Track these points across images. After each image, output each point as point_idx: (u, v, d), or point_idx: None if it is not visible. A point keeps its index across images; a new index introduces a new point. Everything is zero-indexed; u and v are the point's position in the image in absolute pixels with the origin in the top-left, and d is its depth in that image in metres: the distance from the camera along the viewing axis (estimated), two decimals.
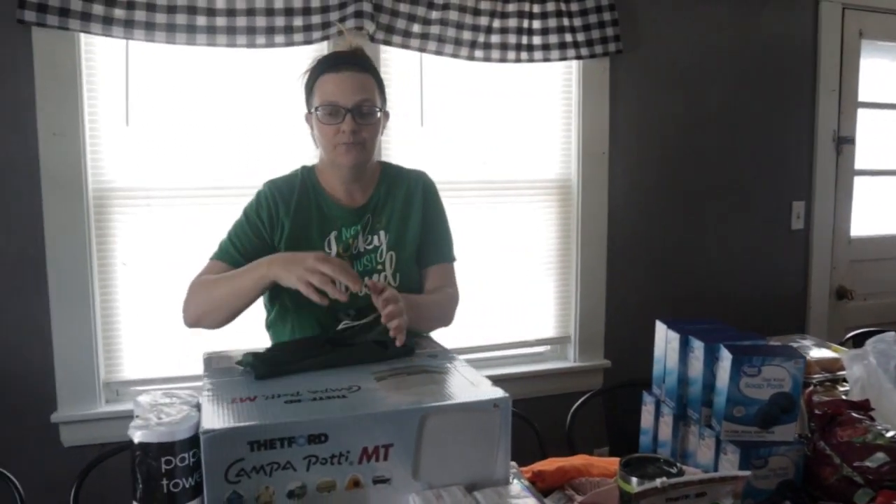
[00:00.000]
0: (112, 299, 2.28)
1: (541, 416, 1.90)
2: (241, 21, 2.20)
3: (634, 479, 0.97)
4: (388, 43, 2.40)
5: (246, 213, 1.60)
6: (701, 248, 3.03)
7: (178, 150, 2.30)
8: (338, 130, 1.50)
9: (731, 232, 3.07)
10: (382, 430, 0.98)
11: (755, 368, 1.19)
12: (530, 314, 2.80)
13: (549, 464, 1.29)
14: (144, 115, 2.25)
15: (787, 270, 3.21)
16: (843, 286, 3.32)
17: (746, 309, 3.05)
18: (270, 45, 2.25)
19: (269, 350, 1.30)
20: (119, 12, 2.09)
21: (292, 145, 2.35)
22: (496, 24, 2.53)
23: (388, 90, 1.62)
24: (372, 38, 2.35)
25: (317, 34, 2.28)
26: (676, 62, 2.90)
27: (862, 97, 3.26)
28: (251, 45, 2.23)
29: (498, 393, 1.07)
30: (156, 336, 2.32)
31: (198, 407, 1.03)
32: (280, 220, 1.57)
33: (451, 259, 1.70)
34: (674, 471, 0.98)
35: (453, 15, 2.47)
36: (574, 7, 2.61)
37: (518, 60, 2.58)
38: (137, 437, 0.94)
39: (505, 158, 2.70)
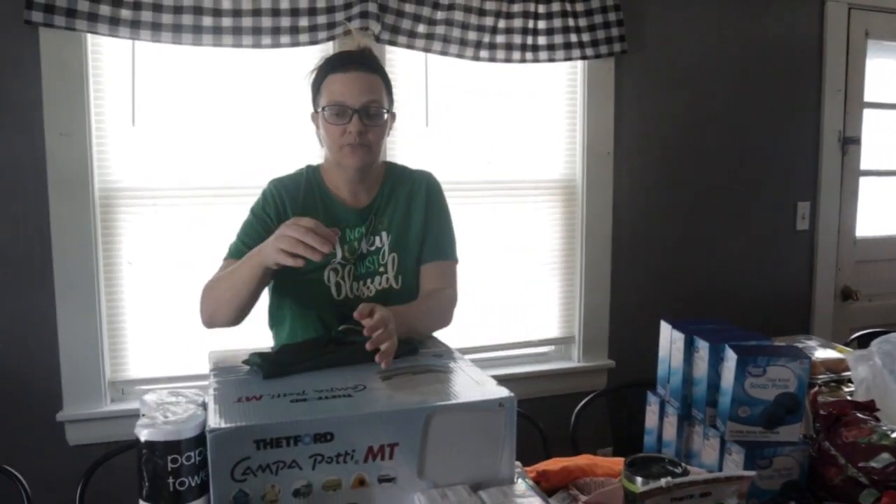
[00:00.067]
0: (118, 299, 2.29)
1: (545, 416, 1.90)
2: (246, 21, 2.21)
3: (639, 479, 0.97)
4: (393, 43, 2.41)
5: (253, 211, 1.59)
6: (706, 248, 3.03)
7: (183, 150, 2.31)
8: (344, 131, 1.49)
9: (736, 232, 3.07)
10: (388, 429, 0.99)
11: (760, 369, 1.18)
12: (534, 314, 2.80)
13: (554, 463, 1.29)
14: (150, 115, 2.26)
15: (792, 271, 3.20)
16: (849, 286, 3.31)
17: (751, 309, 3.05)
18: (276, 45, 2.25)
19: (276, 351, 1.30)
20: (125, 13, 2.10)
21: (297, 145, 2.35)
22: (501, 24, 2.53)
23: (393, 90, 1.61)
24: (377, 39, 2.36)
25: (322, 34, 2.29)
26: (681, 62, 2.90)
27: (868, 97, 3.25)
28: (257, 45, 2.24)
29: (503, 392, 1.07)
30: (161, 335, 2.32)
31: (204, 406, 1.03)
32: (288, 216, 1.55)
33: (451, 258, 1.67)
34: (678, 471, 0.98)
35: (458, 15, 2.47)
36: (579, 7, 2.61)
37: (523, 61, 2.58)
38: (144, 435, 0.95)
39: (510, 159, 2.70)
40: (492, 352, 2.73)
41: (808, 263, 3.22)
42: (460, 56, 2.51)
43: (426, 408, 1.01)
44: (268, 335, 1.67)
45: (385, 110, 1.54)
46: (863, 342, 2.34)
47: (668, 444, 1.36)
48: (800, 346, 1.79)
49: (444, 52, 2.48)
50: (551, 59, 2.62)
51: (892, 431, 1.20)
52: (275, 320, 1.66)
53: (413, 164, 1.73)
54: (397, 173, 1.67)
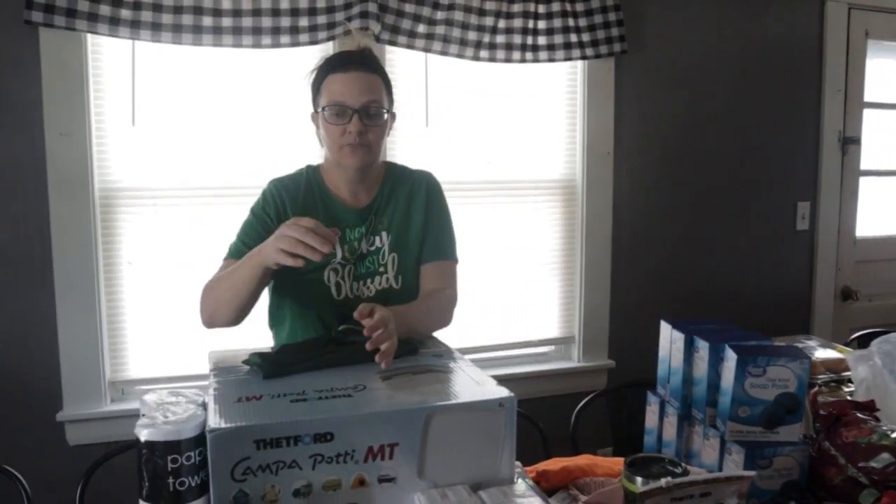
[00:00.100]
0: (118, 299, 2.29)
1: (545, 416, 1.90)
2: (246, 21, 2.21)
3: (639, 479, 0.97)
4: (393, 43, 2.41)
5: (253, 211, 1.59)
6: (706, 248, 3.03)
7: (183, 150, 2.31)
8: (344, 131, 1.49)
9: (736, 232, 3.07)
10: (388, 429, 0.99)
11: (760, 369, 1.19)
12: (534, 314, 2.80)
13: (554, 463, 1.29)
14: (150, 115, 2.26)
15: (792, 271, 3.20)
16: (849, 287, 3.31)
17: (751, 309, 3.05)
18: (276, 45, 2.26)
19: (276, 351, 1.30)
20: (125, 13, 2.10)
21: (297, 145, 2.36)
22: (501, 24, 2.53)
23: (393, 90, 1.61)
24: (377, 39, 2.36)
25: (322, 34, 2.29)
26: (681, 62, 2.90)
27: (868, 97, 3.26)
28: (257, 45, 2.24)
29: (503, 392, 1.07)
30: (161, 335, 2.33)
31: (204, 406, 1.03)
32: (288, 216, 1.54)
33: (450, 258, 1.67)
34: (678, 470, 0.99)
35: (458, 15, 2.47)
36: (579, 7, 2.61)
37: (523, 61, 2.58)
38: (144, 435, 0.95)
39: (509, 159, 2.70)
40: (492, 352, 2.73)
41: (808, 263, 3.23)
42: (460, 56, 2.51)
43: (426, 408, 1.01)
44: (268, 335, 1.68)
45: (385, 110, 1.54)
46: (863, 342, 2.34)
47: (668, 444, 1.36)
48: (800, 346, 1.79)
49: (444, 52, 2.48)
50: (551, 59, 2.62)
51: (892, 431, 1.20)
52: (275, 320, 1.65)
53: (413, 164, 1.73)
54: (397, 173, 1.67)
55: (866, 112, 3.26)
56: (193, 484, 0.96)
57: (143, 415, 1.00)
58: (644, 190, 2.89)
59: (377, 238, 1.60)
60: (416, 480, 1.01)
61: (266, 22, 2.23)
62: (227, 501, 0.93)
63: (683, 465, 1.01)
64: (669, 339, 1.37)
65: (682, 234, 2.98)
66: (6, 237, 2.16)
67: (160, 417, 0.98)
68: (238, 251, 1.52)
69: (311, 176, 1.62)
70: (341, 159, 1.52)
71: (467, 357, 1.29)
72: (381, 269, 1.59)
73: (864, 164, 3.28)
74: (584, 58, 2.66)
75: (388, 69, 1.66)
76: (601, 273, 2.83)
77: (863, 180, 3.30)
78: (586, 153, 2.76)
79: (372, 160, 1.56)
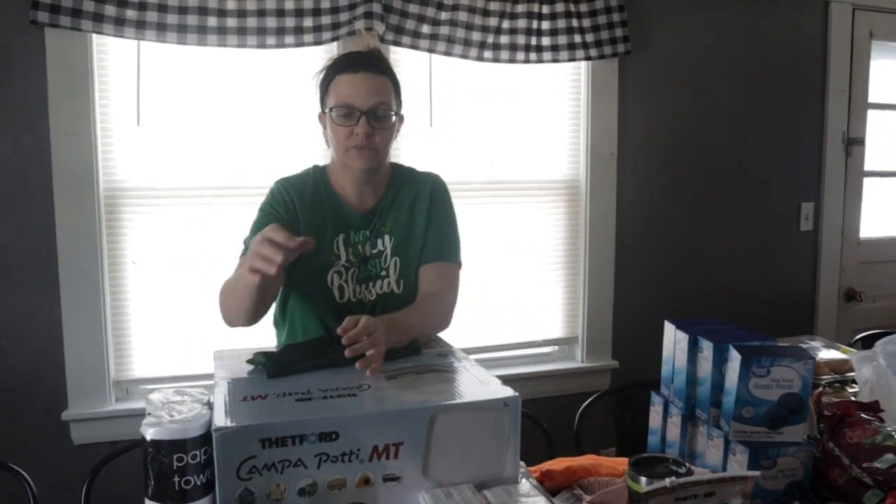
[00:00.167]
0: (122, 298, 2.30)
1: (549, 416, 1.91)
2: (251, 22, 2.22)
3: (643, 479, 0.97)
4: (397, 44, 2.41)
5: (262, 209, 1.57)
6: (709, 249, 3.03)
7: (188, 150, 2.31)
8: (351, 133, 1.47)
9: (740, 233, 3.07)
10: (393, 428, 0.99)
11: (764, 369, 1.19)
12: (538, 314, 2.80)
13: (558, 463, 1.29)
14: (155, 115, 2.27)
15: (796, 272, 3.20)
16: (852, 288, 3.30)
17: (755, 310, 3.04)
18: (280, 45, 2.26)
19: (280, 350, 1.31)
20: (131, 13, 2.11)
21: (302, 146, 2.36)
22: (505, 24, 2.53)
23: (402, 92, 1.59)
24: (381, 39, 2.36)
25: (327, 35, 2.29)
26: (685, 63, 2.90)
27: (872, 98, 3.25)
28: (261, 45, 2.24)
29: (507, 392, 1.07)
30: (166, 335, 2.33)
31: (209, 405, 1.04)
32: (296, 213, 1.54)
33: (451, 260, 1.62)
34: (682, 470, 0.99)
35: (462, 16, 2.47)
36: (583, 8, 2.61)
37: (527, 61, 2.58)
38: (150, 434, 0.95)
39: (513, 159, 2.70)
40: (495, 352, 2.73)
41: (812, 264, 3.22)
42: (464, 56, 2.51)
43: (431, 407, 1.02)
44: (271, 333, 1.68)
45: (393, 112, 1.52)
46: (867, 343, 2.34)
47: (671, 445, 1.36)
48: (804, 346, 1.79)
49: (448, 53, 2.49)
50: (555, 60, 2.62)
51: None
52: (278, 320, 1.65)
53: (417, 164, 1.72)
54: (404, 175, 1.65)
55: (870, 113, 3.26)
56: (199, 482, 0.96)
57: (149, 414, 1.00)
58: (647, 190, 2.89)
59: (380, 241, 1.58)
60: (420, 479, 1.01)
61: (270, 22, 2.23)
62: (233, 500, 0.94)
63: (687, 465, 1.01)
64: (673, 340, 1.37)
65: (686, 234, 2.98)
66: (12, 236, 2.16)
67: (166, 416, 0.98)
68: None
69: (317, 176, 1.60)
70: (348, 161, 1.51)
71: (471, 357, 1.29)
72: (383, 272, 1.57)
73: (868, 165, 3.28)
74: (587, 58, 2.66)
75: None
76: (605, 273, 2.83)
77: (867, 181, 3.30)
78: (590, 154, 2.76)
79: (379, 163, 1.54)
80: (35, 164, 2.16)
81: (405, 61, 2.50)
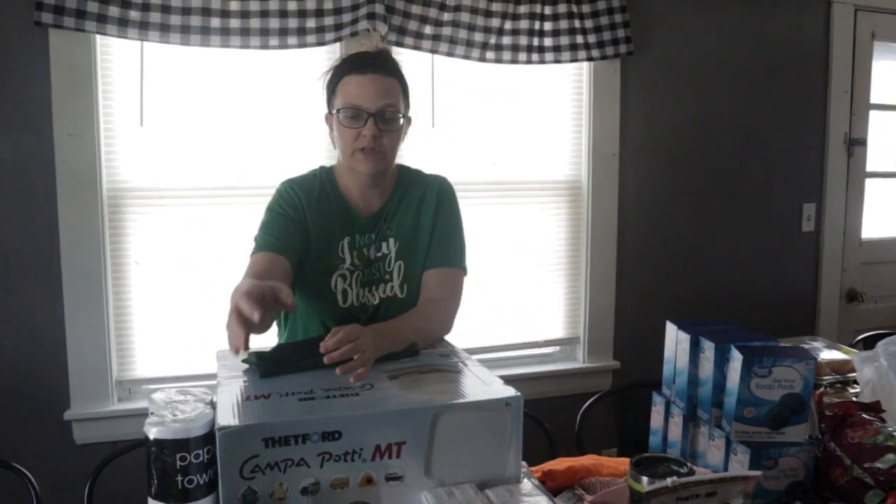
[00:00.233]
0: (125, 298, 2.30)
1: (550, 416, 1.91)
2: (254, 23, 2.22)
3: (645, 479, 0.97)
4: (399, 45, 2.42)
5: (270, 208, 1.54)
6: (711, 249, 3.03)
7: (191, 150, 2.32)
8: (358, 135, 1.46)
9: (742, 234, 3.07)
10: (395, 427, 0.99)
11: (766, 369, 1.19)
12: (540, 315, 2.80)
13: (559, 463, 1.29)
14: (158, 116, 2.27)
15: (798, 272, 3.20)
16: (854, 288, 3.30)
17: (756, 311, 3.04)
18: (283, 46, 2.26)
19: (273, 350, 1.30)
20: (134, 14, 2.11)
21: (305, 146, 2.37)
22: (507, 25, 2.54)
23: (410, 94, 1.57)
24: (384, 40, 2.36)
25: (329, 36, 2.30)
26: (687, 64, 2.90)
27: (874, 99, 3.25)
28: (264, 46, 2.25)
29: (510, 392, 1.08)
30: (168, 335, 2.34)
31: (212, 404, 1.04)
32: (304, 212, 1.52)
33: (455, 266, 1.59)
34: (684, 470, 0.99)
35: (465, 17, 2.48)
36: (585, 9, 2.61)
37: (529, 62, 2.59)
38: (153, 433, 0.96)
39: (515, 160, 2.71)
40: (497, 352, 2.74)
41: (814, 265, 3.22)
42: (466, 57, 2.51)
43: (433, 407, 1.02)
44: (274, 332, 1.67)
45: (401, 115, 1.50)
46: (868, 344, 2.34)
47: (673, 445, 1.37)
48: (805, 347, 1.79)
49: (450, 54, 2.49)
50: (557, 61, 2.62)
51: None
52: (281, 323, 1.64)
53: (419, 165, 1.71)
54: (410, 178, 1.63)
55: (872, 113, 3.26)
56: (202, 482, 0.97)
57: (152, 413, 1.01)
58: (649, 191, 2.89)
59: (385, 244, 1.56)
60: (423, 479, 1.02)
61: (273, 23, 2.24)
62: (236, 499, 0.94)
63: (689, 465, 1.02)
64: (675, 340, 1.38)
65: (688, 235, 2.98)
66: (15, 237, 2.17)
67: (169, 416, 0.98)
68: (268, 244, 1.48)
69: (324, 177, 1.59)
70: (354, 164, 1.49)
71: (473, 357, 1.29)
72: (387, 276, 1.56)
73: (870, 166, 3.28)
74: (590, 59, 2.66)
75: None
76: (606, 274, 2.84)
77: (868, 182, 3.30)
78: (592, 154, 2.76)
79: (386, 166, 1.52)
80: (38, 165, 2.16)
81: (407, 62, 2.49)
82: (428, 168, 1.70)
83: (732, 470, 1.21)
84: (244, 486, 0.94)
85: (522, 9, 2.54)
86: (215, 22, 2.18)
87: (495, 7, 2.51)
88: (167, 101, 2.28)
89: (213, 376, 1.18)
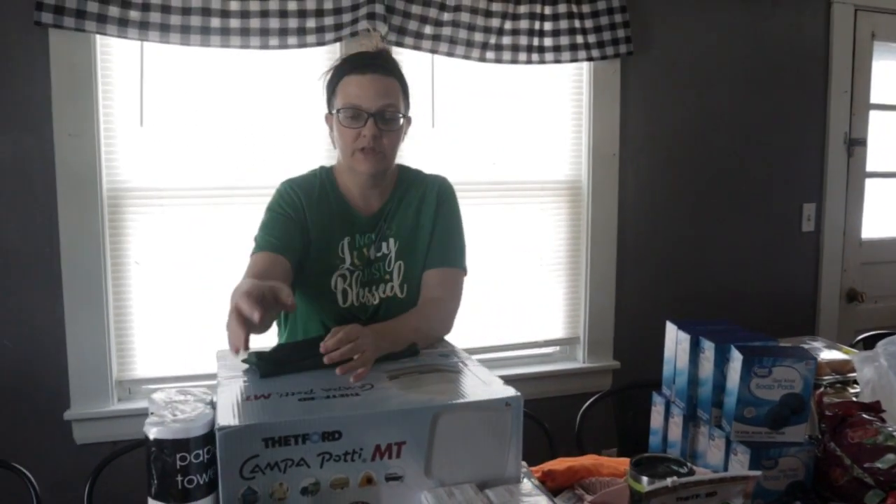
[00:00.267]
0: (125, 298, 2.30)
1: (550, 416, 1.91)
2: (254, 23, 2.22)
3: (645, 479, 0.97)
4: (399, 45, 2.42)
5: (270, 208, 1.54)
6: (711, 249, 3.03)
7: (191, 151, 2.32)
8: (358, 135, 1.45)
9: (742, 234, 3.07)
10: (395, 427, 0.99)
11: (766, 369, 1.19)
12: (540, 315, 2.81)
13: (559, 463, 1.29)
14: (158, 116, 2.27)
15: (798, 272, 3.20)
16: (854, 288, 3.30)
17: (756, 311, 3.04)
18: (283, 46, 2.26)
19: (273, 350, 1.30)
20: (134, 14, 2.11)
21: (305, 146, 2.37)
22: (507, 25, 2.54)
23: (410, 94, 1.57)
24: (384, 40, 2.36)
25: (329, 36, 2.30)
26: (687, 64, 2.90)
27: (874, 99, 3.25)
28: (264, 46, 2.25)
29: (510, 392, 1.08)
30: (168, 335, 2.34)
31: (212, 404, 1.04)
32: (304, 212, 1.52)
33: (456, 266, 1.60)
34: (684, 470, 0.99)
35: (465, 17, 2.48)
36: (585, 9, 2.61)
37: (529, 62, 2.59)
38: (153, 433, 0.96)
39: (515, 160, 2.71)
40: (497, 352, 2.74)
41: (814, 265, 3.22)
42: (466, 57, 2.51)
43: (433, 407, 1.02)
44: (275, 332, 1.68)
45: (401, 115, 1.50)
46: (868, 344, 2.34)
47: (673, 445, 1.37)
48: (805, 347, 1.79)
49: (450, 54, 2.49)
50: (557, 61, 2.62)
51: None
52: (281, 323, 1.64)
53: (419, 165, 1.71)
54: (410, 177, 1.63)
55: (872, 113, 3.26)
56: (202, 482, 0.97)
57: (152, 413, 1.01)
58: (649, 191, 2.89)
59: (385, 244, 1.56)
60: (423, 479, 1.02)
61: (273, 23, 2.24)
62: (236, 499, 0.94)
63: (689, 465, 1.02)
64: (675, 340, 1.38)
65: (688, 235, 2.98)
66: (15, 237, 2.17)
67: (169, 416, 0.98)
68: (268, 244, 1.47)
69: (324, 177, 1.58)
70: (354, 165, 1.49)
71: (473, 357, 1.29)
72: (387, 276, 1.56)
73: (870, 166, 3.28)
74: (590, 59, 2.66)
75: None
76: (606, 274, 2.84)
77: (868, 182, 3.30)
78: (592, 154, 2.76)
79: (386, 166, 1.52)
80: (38, 165, 2.16)
81: (407, 62, 2.48)
82: (428, 168, 1.70)
83: (732, 470, 1.21)
84: (244, 485, 0.94)
85: (522, 9, 2.54)
86: (215, 22, 2.18)
87: (495, 7, 2.51)
88: (167, 101, 2.28)
89: (213, 376, 1.18)
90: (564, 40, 2.61)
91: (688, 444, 1.34)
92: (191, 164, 2.32)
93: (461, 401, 1.05)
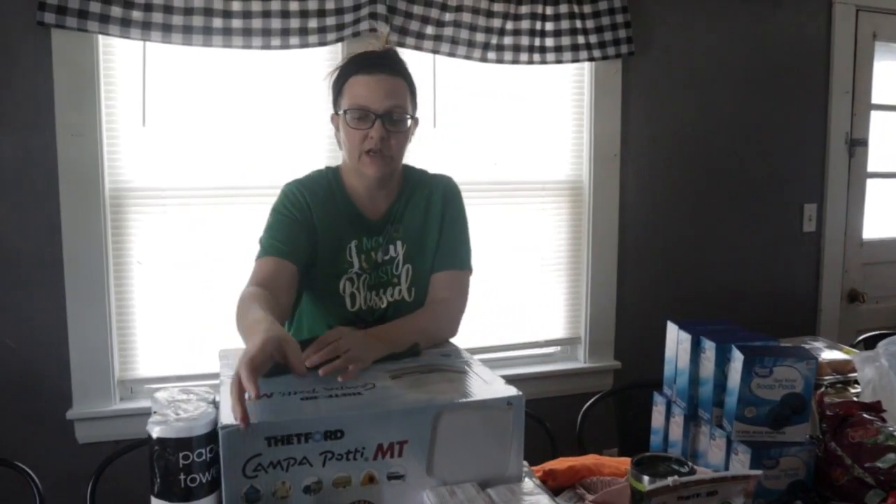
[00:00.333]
0: (127, 298, 2.31)
1: (551, 416, 1.91)
2: (256, 23, 2.22)
3: (646, 478, 0.98)
4: (401, 45, 2.42)
5: (277, 210, 1.52)
6: (712, 250, 3.03)
7: (193, 150, 2.32)
8: (365, 136, 1.43)
9: (743, 234, 3.07)
10: (397, 426, 1.00)
11: (767, 369, 1.19)
12: (541, 315, 2.81)
13: (560, 463, 1.30)
14: (161, 116, 2.27)
15: (799, 273, 3.20)
16: (855, 289, 3.30)
17: (757, 311, 3.04)
18: (285, 46, 2.27)
19: None
20: (137, 14, 2.11)
21: (307, 147, 2.37)
22: (509, 25, 2.54)
23: (417, 94, 1.56)
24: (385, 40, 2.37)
25: (331, 36, 2.30)
26: (688, 64, 2.90)
27: (875, 99, 3.25)
28: (266, 46, 2.25)
29: (511, 391, 1.08)
30: (170, 334, 2.34)
31: (214, 403, 1.04)
32: (311, 214, 1.50)
33: (463, 267, 1.59)
34: (685, 470, 0.99)
35: (466, 17, 2.48)
36: (587, 9, 2.62)
37: (531, 62, 2.59)
38: (156, 432, 0.96)
39: (517, 160, 2.71)
40: (498, 352, 2.74)
41: (815, 265, 3.22)
42: (468, 57, 2.52)
43: (435, 406, 1.02)
44: None
45: (409, 116, 1.49)
46: (869, 344, 2.34)
47: (674, 445, 1.37)
48: (806, 347, 1.79)
49: (451, 54, 2.49)
50: (559, 61, 2.62)
51: None
52: (289, 326, 1.61)
53: (421, 165, 1.70)
54: (415, 178, 1.62)
55: (874, 114, 3.26)
56: (204, 480, 0.97)
57: (155, 412, 1.01)
58: (650, 191, 2.89)
59: (392, 247, 1.55)
60: (424, 478, 1.02)
61: (275, 24, 2.24)
62: (239, 497, 0.94)
63: (690, 464, 1.02)
64: (676, 340, 1.38)
65: (689, 235, 2.98)
66: (17, 236, 2.17)
67: (172, 415, 0.99)
68: (274, 249, 1.45)
69: (331, 178, 1.57)
70: (361, 167, 1.47)
71: (475, 357, 1.30)
72: (395, 279, 1.55)
73: (872, 167, 3.28)
74: (591, 59, 2.66)
75: None
76: (607, 274, 2.84)
77: (870, 182, 3.30)
78: (593, 155, 2.76)
79: (393, 169, 1.51)
80: (41, 165, 2.16)
81: (409, 63, 2.49)
82: (430, 169, 1.69)
83: (733, 469, 1.21)
84: (247, 484, 0.94)
85: (524, 9, 2.55)
86: (217, 22, 2.19)
87: (497, 7, 2.52)
88: (169, 101, 2.28)
89: (215, 375, 1.18)
90: (566, 40, 2.61)
91: (689, 443, 1.34)
92: (193, 164, 2.32)
93: (463, 400, 1.05)
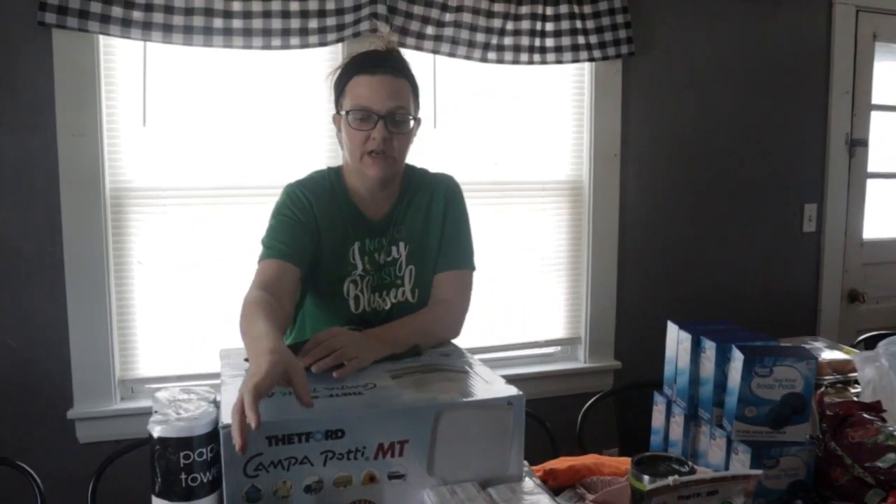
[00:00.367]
0: (128, 298, 2.31)
1: (551, 416, 1.91)
2: (257, 23, 2.22)
3: (646, 477, 0.98)
4: (401, 45, 2.41)
5: (279, 212, 1.50)
6: (712, 250, 3.03)
7: (194, 151, 2.32)
8: (368, 137, 1.42)
9: (743, 234, 3.07)
10: (398, 426, 1.00)
11: (767, 369, 1.19)
12: (541, 315, 2.81)
13: (561, 462, 1.30)
14: (161, 116, 2.28)
15: (799, 273, 3.20)
16: (856, 289, 3.30)
17: (758, 311, 3.05)
18: (286, 46, 2.27)
19: None
20: (137, 14, 2.12)
21: (307, 147, 2.37)
22: (509, 26, 2.54)
23: (419, 95, 1.55)
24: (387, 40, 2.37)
25: (331, 36, 2.30)
26: (689, 64, 2.90)
27: (875, 100, 3.25)
28: (267, 46, 2.25)
29: (512, 391, 1.08)
30: (171, 334, 2.34)
31: (215, 403, 1.05)
32: (314, 215, 1.49)
33: (465, 267, 1.59)
34: (685, 469, 0.99)
35: (467, 17, 2.48)
36: (587, 9, 2.62)
37: (531, 62, 2.59)
38: (157, 431, 0.96)
39: (517, 160, 2.71)
40: (498, 352, 2.74)
41: (815, 265, 3.22)
42: (468, 58, 2.52)
43: (436, 405, 1.02)
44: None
45: (411, 117, 1.48)
46: (869, 344, 2.34)
47: (674, 444, 1.37)
48: (806, 347, 1.80)
49: (452, 54, 2.49)
50: (559, 61, 2.62)
51: None
52: (293, 328, 1.60)
53: (421, 165, 1.69)
54: (417, 178, 1.61)
55: (874, 114, 3.26)
56: (205, 480, 0.97)
57: (156, 412, 1.01)
58: (650, 191, 2.89)
59: (395, 248, 1.55)
60: (425, 477, 1.02)
61: (276, 24, 2.24)
62: (240, 497, 0.95)
63: (690, 464, 1.02)
64: (676, 340, 1.38)
65: (689, 235, 2.98)
66: (18, 236, 2.17)
67: (173, 414, 0.99)
68: (277, 251, 1.43)
69: (333, 178, 1.55)
70: (363, 169, 1.46)
71: (475, 357, 1.30)
72: (398, 281, 1.54)
73: (872, 167, 3.28)
74: (591, 59, 2.67)
75: None
76: (607, 274, 2.84)
77: (870, 182, 3.30)
78: (593, 155, 2.77)
79: (395, 170, 1.50)
80: (42, 165, 2.17)
81: (409, 63, 2.50)
82: (431, 169, 1.69)
83: (733, 469, 1.21)
84: (248, 483, 0.95)
85: (524, 9, 2.55)
86: (218, 22, 2.19)
87: (497, 8, 2.52)
88: (170, 102, 2.28)
89: (216, 375, 1.18)
90: (566, 41, 2.61)
91: (689, 443, 1.34)
92: (193, 164, 2.33)
93: (464, 400, 1.05)
